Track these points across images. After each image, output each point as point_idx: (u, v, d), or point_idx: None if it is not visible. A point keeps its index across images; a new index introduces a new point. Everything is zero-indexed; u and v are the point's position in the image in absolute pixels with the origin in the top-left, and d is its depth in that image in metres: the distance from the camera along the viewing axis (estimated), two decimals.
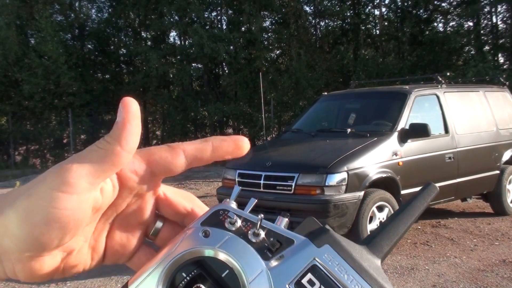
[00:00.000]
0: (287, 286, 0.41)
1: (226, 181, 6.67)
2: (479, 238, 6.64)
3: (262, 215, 0.44)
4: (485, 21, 20.13)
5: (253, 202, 0.47)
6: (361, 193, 5.84)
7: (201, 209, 0.50)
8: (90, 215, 0.44)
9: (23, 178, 15.13)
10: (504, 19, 19.77)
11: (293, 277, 0.41)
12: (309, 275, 0.42)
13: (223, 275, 0.42)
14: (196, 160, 0.47)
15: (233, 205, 0.46)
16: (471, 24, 19.72)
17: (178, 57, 21.46)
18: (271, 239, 0.44)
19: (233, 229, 0.44)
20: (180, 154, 0.46)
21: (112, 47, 23.35)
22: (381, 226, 0.48)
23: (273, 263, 0.42)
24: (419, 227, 7.29)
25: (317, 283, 0.41)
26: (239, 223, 0.44)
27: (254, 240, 0.44)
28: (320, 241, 0.44)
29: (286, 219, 0.46)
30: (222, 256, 0.42)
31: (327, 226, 0.45)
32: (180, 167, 0.46)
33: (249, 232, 0.44)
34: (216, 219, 0.45)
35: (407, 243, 6.46)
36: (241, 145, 0.48)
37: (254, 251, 0.43)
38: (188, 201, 0.50)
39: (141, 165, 0.45)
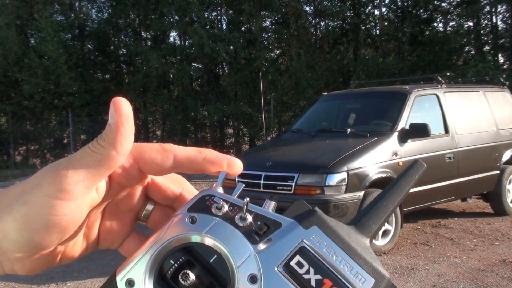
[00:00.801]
0: (275, 269, 0.41)
1: (226, 181, 6.63)
2: (479, 238, 6.64)
3: (248, 199, 0.44)
4: (485, 21, 20.10)
5: (240, 187, 0.47)
6: (361, 193, 5.85)
7: (190, 193, 0.50)
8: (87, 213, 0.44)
9: (23, 178, 15.01)
10: (504, 19, 19.76)
11: (281, 259, 0.42)
12: (298, 257, 0.42)
13: (211, 260, 0.42)
14: (184, 167, 0.46)
15: (220, 190, 0.46)
16: (471, 24, 19.71)
17: (178, 57, 21.45)
18: (259, 222, 0.44)
19: (220, 214, 0.44)
20: (169, 158, 0.45)
21: (112, 47, 23.32)
22: (369, 205, 0.48)
23: (261, 246, 0.42)
24: (419, 227, 7.29)
25: (306, 265, 0.41)
26: (225, 208, 0.44)
27: (241, 224, 0.43)
28: (308, 222, 0.43)
29: (274, 203, 0.46)
30: (209, 241, 0.42)
31: (316, 208, 0.45)
32: (167, 171, 0.46)
33: (236, 216, 0.44)
34: (202, 205, 0.45)
35: (407, 243, 6.46)
36: (233, 166, 0.47)
37: (241, 235, 0.43)
38: (177, 185, 0.50)
39: (128, 160, 0.45)
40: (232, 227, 0.43)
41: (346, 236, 0.44)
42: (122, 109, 0.42)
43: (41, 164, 20.66)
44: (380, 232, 5.91)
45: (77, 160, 0.42)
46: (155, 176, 0.49)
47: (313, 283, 0.41)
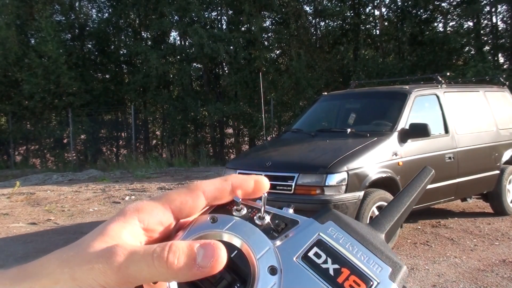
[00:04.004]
0: (294, 259, 0.43)
1: None
2: (479, 238, 6.64)
3: (266, 194, 0.47)
4: (485, 21, 20.09)
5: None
6: (361, 193, 5.84)
7: None
8: None
9: (23, 178, 15.14)
10: (504, 19, 19.74)
11: (299, 251, 0.43)
12: (315, 249, 0.44)
13: (232, 255, 0.43)
14: (215, 200, 0.48)
15: (239, 195, 0.48)
16: (471, 24, 19.70)
17: (178, 57, 21.44)
18: (276, 221, 0.46)
19: (240, 215, 0.47)
20: (200, 196, 0.47)
21: (112, 47, 23.32)
22: (382, 209, 0.52)
23: (280, 241, 0.44)
24: (419, 227, 7.29)
25: (324, 255, 0.43)
26: (245, 210, 0.47)
27: (260, 223, 0.46)
28: (324, 218, 0.46)
29: (291, 210, 0.48)
30: (230, 237, 0.44)
31: (330, 207, 0.48)
32: (200, 210, 0.47)
33: (255, 217, 0.46)
34: (223, 209, 0.47)
35: (407, 243, 6.46)
36: (261, 185, 0.49)
37: (260, 231, 0.45)
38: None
39: (166, 214, 0.46)
40: (251, 225, 0.46)
41: (361, 230, 0.46)
42: (222, 261, 0.41)
43: (41, 164, 20.69)
44: None
45: (133, 261, 0.40)
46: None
47: (331, 272, 0.42)
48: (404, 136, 6.47)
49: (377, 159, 6.16)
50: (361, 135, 6.56)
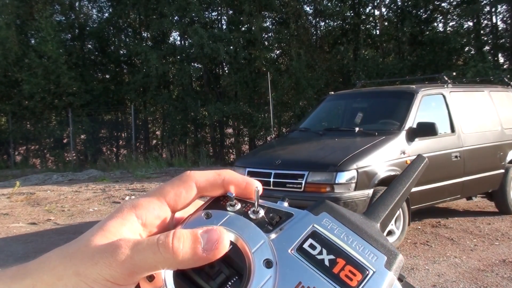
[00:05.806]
0: (289, 251, 0.43)
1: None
2: (479, 238, 6.64)
3: (258, 188, 0.47)
4: (485, 21, 20.12)
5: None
6: (370, 191, 5.88)
7: None
8: None
9: (23, 178, 15.11)
10: (504, 19, 19.78)
11: (294, 243, 0.44)
12: (310, 240, 0.44)
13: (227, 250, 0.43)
14: (207, 192, 0.48)
15: (233, 190, 0.48)
16: (471, 24, 19.73)
17: (178, 57, 21.42)
18: (271, 215, 0.46)
19: (234, 210, 0.46)
20: (192, 187, 0.47)
21: (112, 47, 23.29)
22: (376, 199, 0.52)
23: (274, 234, 0.44)
24: (419, 227, 7.29)
25: (318, 247, 0.43)
26: (239, 205, 0.47)
27: (254, 217, 0.46)
28: (318, 210, 0.46)
29: (286, 203, 0.48)
30: None
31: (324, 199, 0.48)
32: (192, 201, 0.48)
33: (249, 211, 0.46)
34: (217, 204, 0.47)
35: (407, 243, 6.46)
36: (253, 187, 0.48)
37: (255, 225, 0.45)
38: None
39: (162, 207, 0.46)
40: (246, 219, 0.45)
41: (356, 220, 0.46)
42: (225, 244, 0.42)
43: (41, 164, 20.64)
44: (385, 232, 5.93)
45: (138, 251, 0.41)
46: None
47: (326, 263, 0.42)
48: (412, 135, 6.51)
49: (386, 157, 6.19)
50: (370, 134, 6.59)
